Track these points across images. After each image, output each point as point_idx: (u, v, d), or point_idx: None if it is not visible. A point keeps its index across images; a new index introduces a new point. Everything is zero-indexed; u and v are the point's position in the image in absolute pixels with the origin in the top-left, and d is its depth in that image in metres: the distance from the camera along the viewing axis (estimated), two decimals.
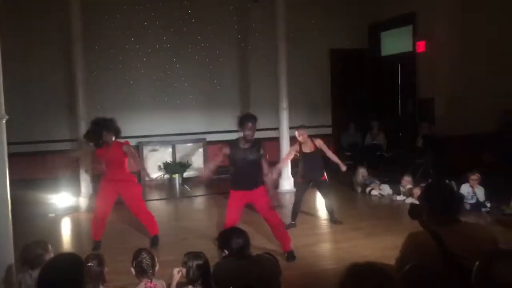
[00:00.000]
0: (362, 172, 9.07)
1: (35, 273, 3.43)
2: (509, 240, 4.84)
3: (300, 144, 6.84)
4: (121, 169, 5.91)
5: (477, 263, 1.76)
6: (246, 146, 5.32)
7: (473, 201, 7.32)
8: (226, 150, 5.34)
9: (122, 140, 6.01)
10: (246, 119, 5.28)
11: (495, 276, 1.69)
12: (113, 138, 5.82)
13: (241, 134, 5.37)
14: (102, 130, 5.75)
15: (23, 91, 9.59)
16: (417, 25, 10.47)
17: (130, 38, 10.27)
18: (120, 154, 5.86)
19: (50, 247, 3.71)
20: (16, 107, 9.14)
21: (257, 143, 5.40)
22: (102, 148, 5.81)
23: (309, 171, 6.83)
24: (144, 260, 3.68)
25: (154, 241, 6.02)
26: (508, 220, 6.74)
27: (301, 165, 6.96)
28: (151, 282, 3.61)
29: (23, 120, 9.29)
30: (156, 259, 3.80)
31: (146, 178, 6.24)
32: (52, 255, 3.62)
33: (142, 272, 3.68)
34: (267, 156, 5.57)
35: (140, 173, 10.02)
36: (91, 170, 6.33)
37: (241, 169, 5.33)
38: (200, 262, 3.62)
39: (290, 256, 5.53)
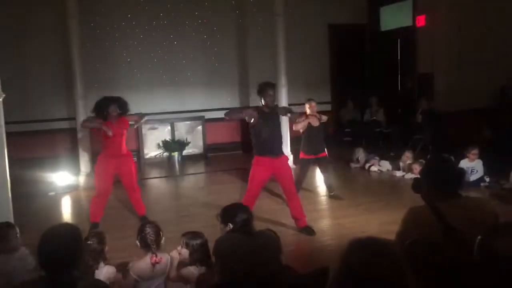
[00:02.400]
0: (359, 153, 9.05)
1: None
2: (508, 215, 4.86)
3: (307, 117, 6.84)
4: (121, 143, 5.96)
5: (479, 237, 1.75)
6: (268, 111, 5.48)
7: (473, 176, 7.33)
8: (255, 114, 5.44)
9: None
10: (266, 86, 5.47)
11: (497, 249, 1.68)
12: (118, 112, 5.88)
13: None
14: (109, 102, 5.85)
15: (20, 70, 9.50)
16: None
17: (127, 14, 10.13)
18: (121, 127, 5.91)
19: (16, 231, 3.59)
20: (13, 86, 9.08)
21: (276, 108, 5.68)
22: (106, 122, 5.83)
23: (312, 145, 6.86)
24: (148, 236, 3.69)
25: (144, 219, 6.00)
26: (507, 195, 6.77)
27: (304, 139, 6.98)
28: (156, 256, 3.63)
29: (20, 99, 9.23)
30: (161, 232, 3.79)
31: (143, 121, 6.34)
32: (18, 239, 3.54)
33: (146, 246, 3.70)
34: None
35: (138, 151, 10.07)
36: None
37: (266, 135, 5.46)
38: (201, 241, 3.66)
39: (309, 230, 5.59)
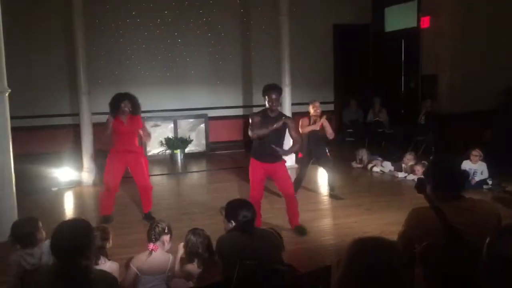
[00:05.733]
0: (362, 153, 9.04)
1: (30, 250, 3.46)
2: (511, 217, 4.86)
3: (310, 118, 6.81)
4: (133, 140, 5.98)
5: (488, 238, 1.75)
6: (272, 115, 5.30)
7: (476, 177, 7.31)
8: (258, 118, 5.26)
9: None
10: (268, 89, 5.26)
11: (501, 252, 1.68)
12: (129, 109, 5.88)
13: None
14: (121, 98, 5.85)
15: (25, 65, 9.53)
16: (422, 0, 10.32)
17: (131, 11, 10.15)
18: (134, 126, 5.94)
19: (40, 224, 3.64)
20: (18, 81, 9.10)
21: (282, 116, 5.41)
22: (117, 119, 5.86)
23: (314, 147, 6.82)
24: (154, 229, 3.89)
25: (148, 217, 6.02)
26: (509, 198, 6.76)
27: (306, 141, 6.84)
28: (154, 245, 3.79)
29: (25, 94, 9.25)
30: (169, 230, 3.94)
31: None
32: (43, 233, 3.60)
33: (149, 239, 3.86)
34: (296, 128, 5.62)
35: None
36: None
37: (266, 139, 5.23)
38: (203, 238, 3.70)
39: (300, 230, 5.55)
